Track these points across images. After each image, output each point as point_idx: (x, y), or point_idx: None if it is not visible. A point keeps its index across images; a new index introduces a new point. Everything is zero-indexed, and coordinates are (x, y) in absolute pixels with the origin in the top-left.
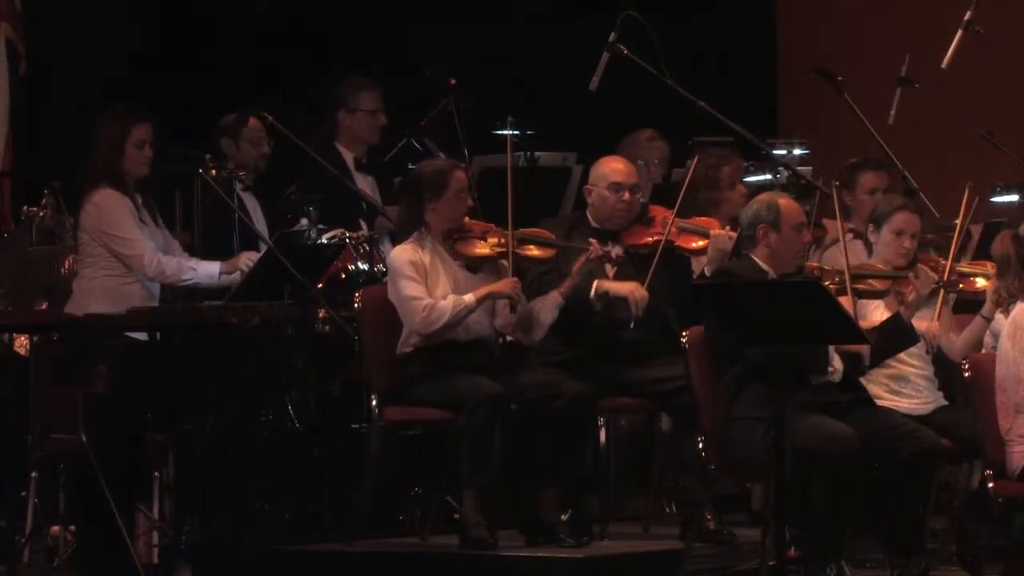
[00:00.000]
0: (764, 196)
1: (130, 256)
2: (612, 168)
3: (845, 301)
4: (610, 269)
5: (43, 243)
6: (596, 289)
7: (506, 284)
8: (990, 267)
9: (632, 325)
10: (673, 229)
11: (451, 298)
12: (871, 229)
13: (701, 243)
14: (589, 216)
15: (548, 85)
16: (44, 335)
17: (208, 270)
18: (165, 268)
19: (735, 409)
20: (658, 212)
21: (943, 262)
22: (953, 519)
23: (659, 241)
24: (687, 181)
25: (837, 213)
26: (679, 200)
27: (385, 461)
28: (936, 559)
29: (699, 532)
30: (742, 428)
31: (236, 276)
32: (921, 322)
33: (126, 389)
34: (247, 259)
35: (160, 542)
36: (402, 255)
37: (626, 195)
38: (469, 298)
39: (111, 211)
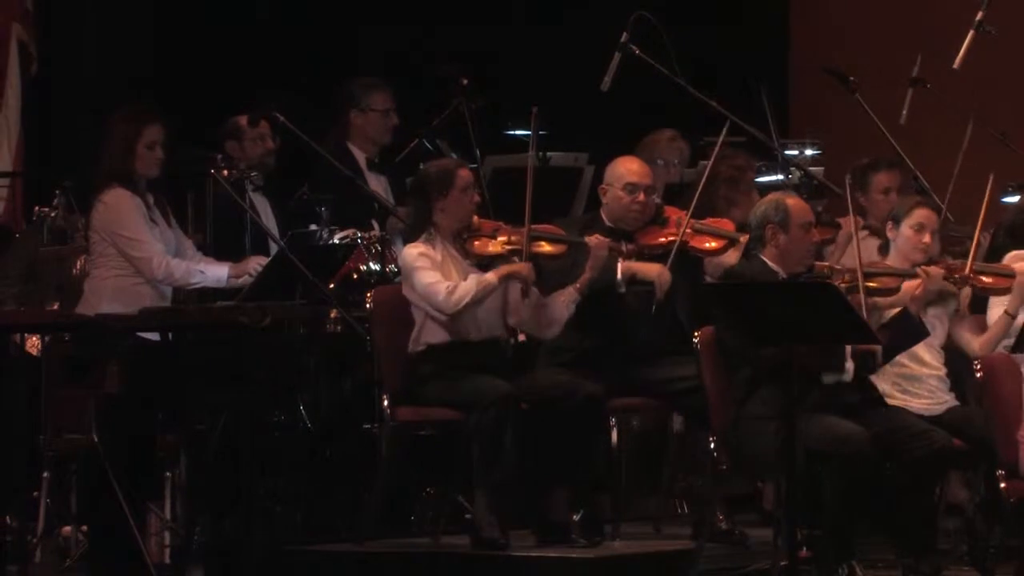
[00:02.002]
0: (772, 196)
1: (138, 258)
2: (628, 169)
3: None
4: None
5: (55, 243)
6: (623, 272)
7: (523, 267)
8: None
9: (654, 309)
10: (688, 230)
11: (472, 277)
12: (890, 226)
13: (714, 244)
14: (603, 215)
15: (560, 85)
16: (56, 335)
17: (216, 273)
18: (173, 271)
19: (747, 409)
20: (672, 213)
21: (960, 264)
22: (964, 519)
23: (673, 241)
24: (703, 181)
25: (851, 210)
26: (694, 201)
27: (397, 461)
28: (948, 559)
29: (711, 532)
30: (754, 428)
31: (245, 280)
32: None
33: (138, 389)
34: (256, 263)
35: (172, 542)
36: (413, 251)
37: (641, 196)
38: (491, 276)
39: (121, 211)
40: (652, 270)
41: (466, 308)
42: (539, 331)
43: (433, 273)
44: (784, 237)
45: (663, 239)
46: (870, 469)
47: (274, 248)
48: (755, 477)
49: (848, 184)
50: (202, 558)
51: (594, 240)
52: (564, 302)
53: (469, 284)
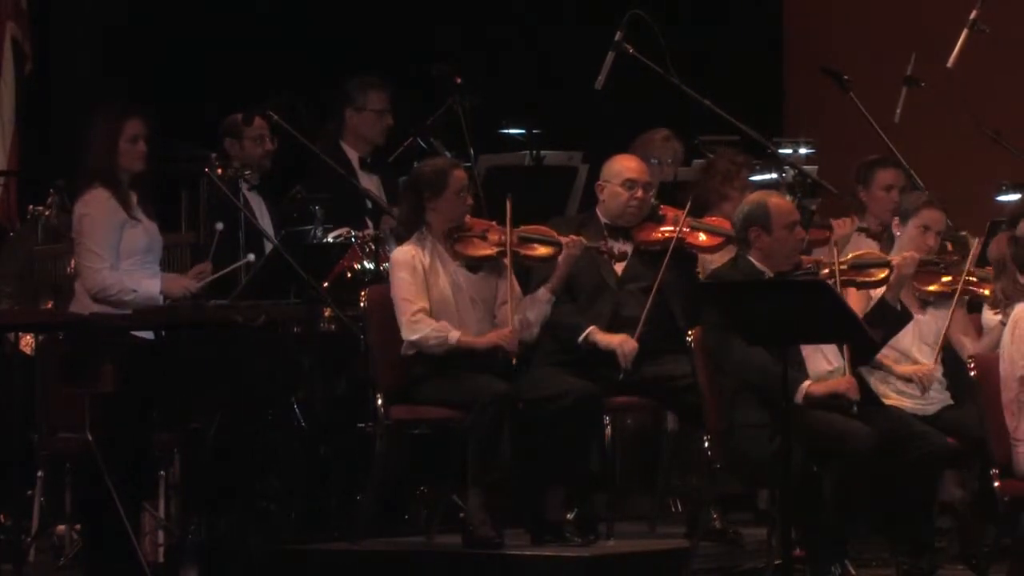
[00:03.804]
0: (754, 196)
1: (82, 265)
2: (625, 165)
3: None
4: (618, 266)
5: (49, 242)
6: (586, 337)
7: (494, 337)
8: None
9: (621, 377)
10: (685, 228)
11: (442, 324)
12: (896, 222)
13: (710, 240)
14: (599, 213)
15: (554, 84)
16: (50, 334)
17: (149, 290)
18: (107, 288)
19: (737, 416)
20: (668, 211)
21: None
22: (957, 519)
23: (670, 239)
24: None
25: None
26: (690, 199)
27: (391, 460)
28: (942, 558)
29: (705, 531)
30: (747, 435)
31: (185, 293)
32: (907, 367)
33: (132, 388)
34: (191, 282)
35: (166, 541)
36: (402, 256)
37: (639, 192)
38: (454, 336)
39: (92, 217)
40: (613, 340)
41: (417, 344)
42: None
43: (411, 289)
44: (768, 238)
45: (659, 235)
46: (869, 468)
47: (268, 247)
48: (751, 483)
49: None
50: (197, 557)
51: (568, 239)
52: (538, 304)
53: (428, 329)
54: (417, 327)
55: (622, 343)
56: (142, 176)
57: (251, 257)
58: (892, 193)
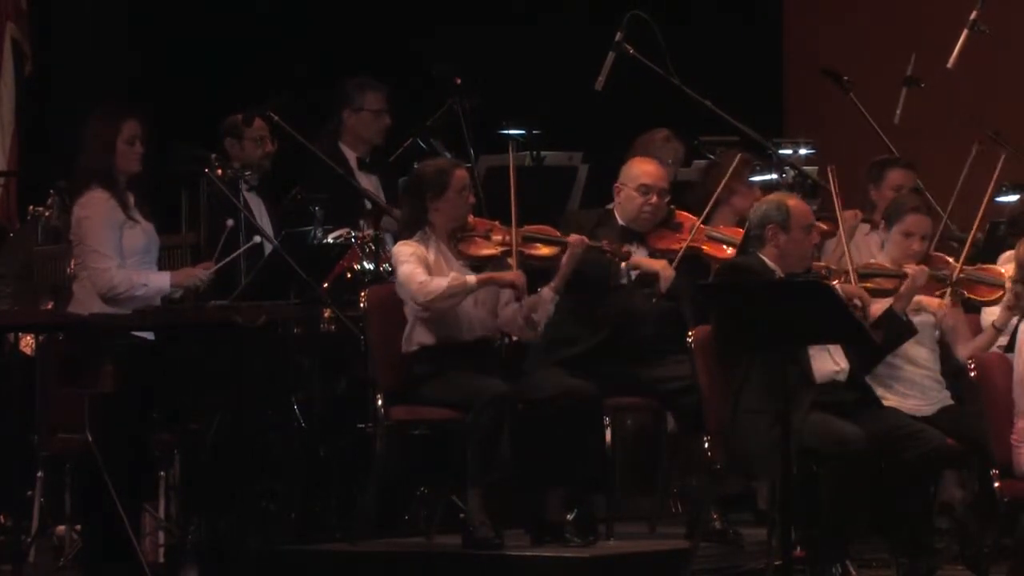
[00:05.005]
0: (773, 196)
1: (92, 268)
2: (643, 170)
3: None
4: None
5: (49, 243)
6: (628, 264)
7: (510, 274)
8: (1001, 272)
9: (654, 300)
10: (700, 236)
11: (452, 274)
12: (883, 225)
13: (725, 251)
14: (616, 213)
15: (554, 85)
16: (50, 335)
17: (159, 283)
18: (117, 286)
19: (742, 403)
20: (685, 218)
21: (953, 263)
22: (957, 519)
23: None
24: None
25: (837, 207)
26: (708, 207)
27: (391, 461)
28: (942, 559)
29: (705, 532)
30: (748, 423)
31: (196, 283)
32: (932, 299)
33: (132, 389)
34: (202, 271)
35: (166, 542)
36: (405, 248)
37: (653, 198)
38: (471, 278)
39: (92, 218)
40: (656, 264)
41: (437, 301)
42: (520, 332)
43: (416, 267)
44: (785, 237)
45: (676, 246)
46: (867, 469)
47: (268, 248)
48: (750, 476)
49: (831, 176)
50: (196, 557)
51: (573, 238)
52: (543, 303)
53: (442, 280)
54: (431, 286)
55: (664, 267)
56: (138, 177)
57: (257, 239)
58: (902, 193)
